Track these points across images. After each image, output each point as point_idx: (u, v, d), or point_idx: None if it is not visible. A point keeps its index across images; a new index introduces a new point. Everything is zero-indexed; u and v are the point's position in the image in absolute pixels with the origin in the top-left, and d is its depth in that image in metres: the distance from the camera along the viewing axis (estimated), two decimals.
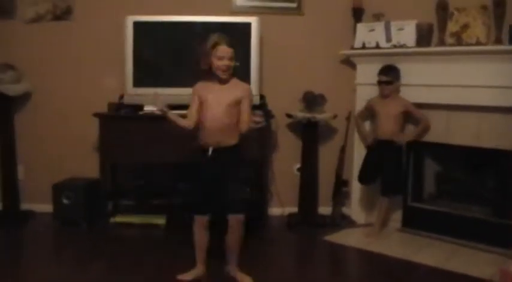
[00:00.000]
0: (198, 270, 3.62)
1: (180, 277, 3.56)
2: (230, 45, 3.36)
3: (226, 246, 3.58)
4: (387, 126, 4.52)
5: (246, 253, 3.77)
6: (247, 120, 3.46)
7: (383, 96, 4.56)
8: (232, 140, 3.45)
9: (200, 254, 3.62)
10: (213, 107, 3.39)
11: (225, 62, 3.34)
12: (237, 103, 3.42)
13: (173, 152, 4.54)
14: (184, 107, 4.50)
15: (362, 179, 4.75)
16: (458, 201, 4.64)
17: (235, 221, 3.47)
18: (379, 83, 4.55)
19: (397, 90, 4.55)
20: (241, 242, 3.57)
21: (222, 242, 3.57)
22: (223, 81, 3.42)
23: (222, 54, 3.34)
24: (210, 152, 3.41)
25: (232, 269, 3.61)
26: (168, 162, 4.77)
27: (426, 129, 4.52)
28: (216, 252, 3.64)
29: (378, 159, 4.58)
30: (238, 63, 3.46)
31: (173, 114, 3.49)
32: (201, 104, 3.44)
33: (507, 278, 3.26)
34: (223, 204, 3.48)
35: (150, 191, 5.02)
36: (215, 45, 3.34)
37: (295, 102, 4.90)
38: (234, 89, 3.44)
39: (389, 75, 4.50)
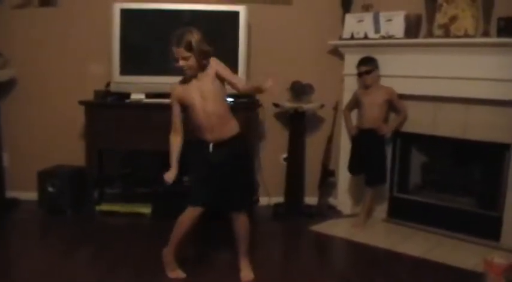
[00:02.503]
0: (174, 258, 3.55)
1: (171, 274, 3.54)
2: (179, 45, 3.18)
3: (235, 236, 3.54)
4: (371, 115, 4.55)
5: (232, 243, 3.78)
6: (238, 79, 3.37)
7: (365, 86, 4.58)
8: (231, 131, 3.35)
9: (178, 245, 3.51)
10: (199, 105, 3.26)
11: (180, 63, 3.22)
12: (219, 84, 3.29)
13: (159, 140, 4.51)
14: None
15: (352, 169, 4.76)
16: (444, 192, 4.68)
17: (237, 217, 3.43)
18: (360, 74, 4.57)
19: (378, 79, 4.57)
20: (248, 235, 3.52)
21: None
22: (195, 77, 3.28)
23: (175, 56, 3.22)
24: (210, 149, 3.31)
25: (240, 259, 3.58)
26: (154, 150, 4.75)
27: (405, 120, 4.57)
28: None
29: (363, 149, 4.60)
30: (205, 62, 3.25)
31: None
32: (187, 105, 3.31)
33: (491, 269, 3.28)
34: (226, 201, 3.41)
35: (136, 179, 5.00)
36: (173, 46, 3.22)
37: (282, 91, 4.89)
38: (206, 78, 3.27)
39: (368, 65, 4.52)
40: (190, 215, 3.40)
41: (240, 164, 3.41)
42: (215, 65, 3.29)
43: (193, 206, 3.38)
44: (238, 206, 3.44)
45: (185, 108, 3.34)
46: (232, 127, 3.36)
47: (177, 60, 3.22)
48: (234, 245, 3.57)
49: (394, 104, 4.54)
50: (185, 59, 3.20)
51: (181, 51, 3.18)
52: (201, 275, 3.57)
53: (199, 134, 3.33)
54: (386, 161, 4.68)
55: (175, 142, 3.40)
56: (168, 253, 3.53)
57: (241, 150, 3.43)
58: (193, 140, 3.36)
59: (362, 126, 4.63)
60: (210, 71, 3.28)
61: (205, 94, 3.26)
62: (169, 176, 3.37)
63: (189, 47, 3.17)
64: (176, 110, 3.36)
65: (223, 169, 3.33)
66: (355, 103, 4.73)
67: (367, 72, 4.52)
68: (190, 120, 3.34)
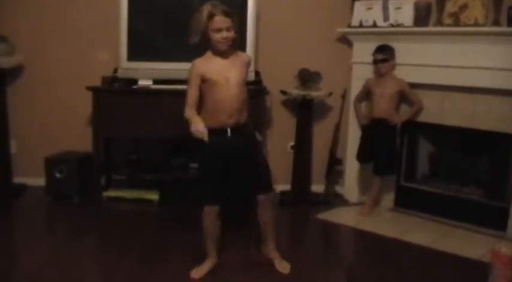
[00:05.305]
0: (210, 261, 3.40)
1: (193, 275, 3.32)
2: (226, 14, 3.05)
3: (260, 226, 3.45)
4: (382, 105, 4.52)
5: (237, 230, 3.78)
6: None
7: (379, 75, 4.55)
8: (245, 117, 3.27)
9: (212, 245, 3.39)
10: (223, 85, 3.13)
11: (223, 34, 3.05)
12: (245, 75, 3.26)
13: (167, 126, 4.52)
14: (180, 81, 4.48)
15: (360, 158, 4.75)
16: (451, 182, 4.66)
17: (265, 200, 3.35)
18: (375, 62, 4.54)
19: (393, 69, 4.54)
20: (275, 220, 3.45)
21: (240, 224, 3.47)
22: (225, 55, 3.16)
23: (219, 26, 3.04)
24: (229, 133, 3.19)
25: (271, 250, 3.49)
26: (161, 137, 4.76)
27: (419, 111, 4.53)
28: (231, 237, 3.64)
29: (373, 139, 4.59)
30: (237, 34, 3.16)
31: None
32: (205, 83, 3.14)
33: (499, 259, 3.27)
34: (250, 186, 3.33)
35: (143, 165, 5.00)
36: (210, 16, 3.02)
37: (290, 78, 4.87)
38: (238, 62, 3.21)
39: (384, 53, 4.49)
40: (210, 216, 3.31)
41: (257, 147, 3.36)
42: (249, 60, 3.29)
43: (209, 206, 3.30)
44: (266, 187, 3.35)
45: (204, 86, 3.16)
46: (245, 115, 3.28)
47: (218, 31, 3.05)
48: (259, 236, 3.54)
49: (406, 95, 4.52)
50: (228, 30, 3.08)
51: (228, 21, 3.06)
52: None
53: (214, 117, 3.17)
54: (396, 152, 4.66)
55: (190, 111, 3.17)
56: (207, 259, 3.43)
57: (253, 135, 3.36)
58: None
59: (373, 115, 4.61)
60: (244, 58, 3.26)
61: (233, 76, 3.16)
62: (196, 128, 3.05)
63: (232, 18, 3.08)
64: (196, 85, 3.15)
65: (243, 153, 3.25)
66: (366, 93, 4.72)
67: (383, 61, 4.49)
68: (206, 100, 3.18)
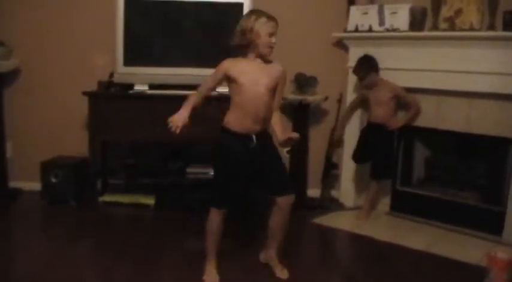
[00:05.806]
0: (212, 264, 3.36)
1: (208, 280, 3.32)
2: (277, 21, 3.12)
3: (270, 229, 3.41)
4: (379, 112, 4.53)
5: (237, 232, 3.78)
6: (279, 103, 3.32)
7: (368, 87, 4.57)
8: (269, 125, 3.28)
9: (213, 248, 3.34)
10: (251, 88, 3.10)
11: (273, 39, 3.08)
12: (275, 85, 3.21)
13: (163, 131, 4.50)
14: (175, 87, 4.49)
15: (356, 158, 4.77)
16: (447, 186, 4.67)
17: (286, 202, 3.30)
18: (359, 79, 4.60)
19: (377, 77, 4.53)
20: (287, 227, 3.42)
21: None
22: (259, 61, 3.15)
23: (274, 31, 3.08)
24: (254, 141, 3.16)
25: (271, 255, 3.48)
26: (157, 141, 4.75)
27: (417, 114, 4.53)
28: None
29: (370, 143, 4.60)
30: None
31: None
32: (232, 83, 3.13)
33: (495, 264, 3.28)
34: (272, 188, 3.31)
35: (139, 170, 5.00)
36: (268, 21, 3.07)
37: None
38: (272, 70, 3.18)
39: (361, 70, 4.52)
40: (217, 219, 3.27)
41: (277, 151, 3.33)
42: (284, 74, 3.26)
43: (217, 209, 3.26)
44: (287, 189, 3.33)
45: (231, 87, 3.16)
46: (269, 122, 3.28)
47: (271, 35, 3.08)
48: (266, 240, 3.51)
49: (402, 99, 4.52)
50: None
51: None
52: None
53: (241, 121, 3.15)
54: (393, 156, 4.67)
55: (195, 96, 3.18)
56: (208, 262, 3.39)
57: (272, 140, 3.33)
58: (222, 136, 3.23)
59: (371, 120, 4.63)
60: (277, 71, 3.21)
61: (261, 82, 3.12)
62: (177, 118, 3.08)
63: None
64: (215, 79, 3.16)
65: (265, 159, 3.23)
66: (361, 101, 4.75)
67: (362, 78, 4.52)
68: (234, 103, 3.17)
